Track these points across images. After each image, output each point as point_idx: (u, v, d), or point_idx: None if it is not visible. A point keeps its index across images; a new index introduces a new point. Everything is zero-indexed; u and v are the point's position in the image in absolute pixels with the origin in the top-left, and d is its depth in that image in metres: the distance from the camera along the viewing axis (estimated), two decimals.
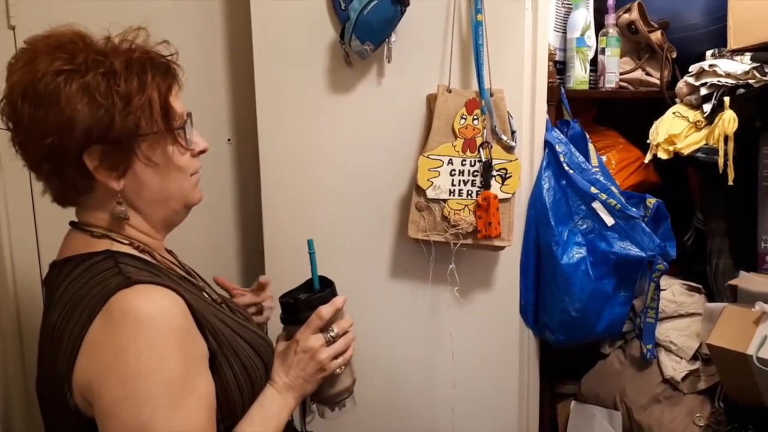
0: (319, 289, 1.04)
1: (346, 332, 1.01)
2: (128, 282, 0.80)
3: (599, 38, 1.68)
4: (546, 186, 1.52)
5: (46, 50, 0.84)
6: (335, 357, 0.99)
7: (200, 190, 0.98)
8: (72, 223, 0.93)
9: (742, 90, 1.45)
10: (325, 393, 1.02)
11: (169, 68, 0.91)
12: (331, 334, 0.98)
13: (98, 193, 0.89)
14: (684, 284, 1.65)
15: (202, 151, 0.96)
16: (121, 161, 0.86)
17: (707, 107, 1.50)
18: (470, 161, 1.39)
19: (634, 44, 1.73)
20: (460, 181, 1.40)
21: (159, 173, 0.90)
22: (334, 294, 1.02)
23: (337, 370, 1.00)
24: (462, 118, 1.38)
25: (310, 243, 1.04)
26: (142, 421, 0.75)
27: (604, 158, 1.67)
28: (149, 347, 0.76)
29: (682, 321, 1.60)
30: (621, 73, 1.70)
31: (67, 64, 0.82)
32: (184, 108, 0.93)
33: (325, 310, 0.98)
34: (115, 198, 0.88)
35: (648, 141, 1.60)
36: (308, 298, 1.01)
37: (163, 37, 0.93)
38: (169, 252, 1.06)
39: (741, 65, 1.46)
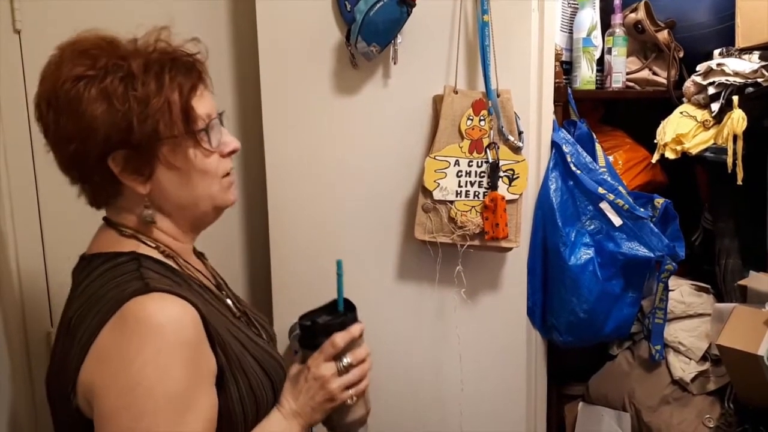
0: (341, 313, 0.99)
1: (362, 361, 0.96)
2: (145, 288, 0.79)
3: (606, 38, 1.67)
4: (553, 187, 1.51)
5: (71, 56, 0.84)
6: (348, 387, 0.94)
7: (234, 192, 0.96)
8: (105, 219, 0.93)
9: (750, 89, 1.44)
10: (335, 422, 0.99)
11: (193, 67, 0.89)
12: (344, 363, 0.94)
13: (126, 196, 0.89)
14: (693, 285, 1.65)
15: (233, 151, 0.94)
16: (145, 165, 0.85)
17: (715, 106, 1.49)
18: (477, 162, 1.39)
19: (641, 44, 1.73)
20: (467, 182, 1.39)
21: (183, 177, 0.88)
22: (354, 320, 0.97)
23: (349, 401, 0.95)
24: (469, 119, 1.37)
25: (339, 264, 0.98)
26: (140, 431, 0.75)
27: (611, 158, 1.67)
28: (155, 358, 0.76)
29: (691, 322, 1.60)
30: (628, 73, 1.70)
31: (89, 70, 0.82)
32: (212, 108, 0.91)
33: (339, 338, 0.93)
34: (142, 202, 0.88)
35: (655, 141, 1.59)
36: (326, 323, 0.96)
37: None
38: (200, 255, 1.05)
39: (749, 64, 1.45)
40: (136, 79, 0.83)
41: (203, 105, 0.89)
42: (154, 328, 0.76)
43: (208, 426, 0.81)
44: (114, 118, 0.81)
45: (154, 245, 0.90)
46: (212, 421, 0.82)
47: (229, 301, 1.01)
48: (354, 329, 0.96)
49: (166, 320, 0.77)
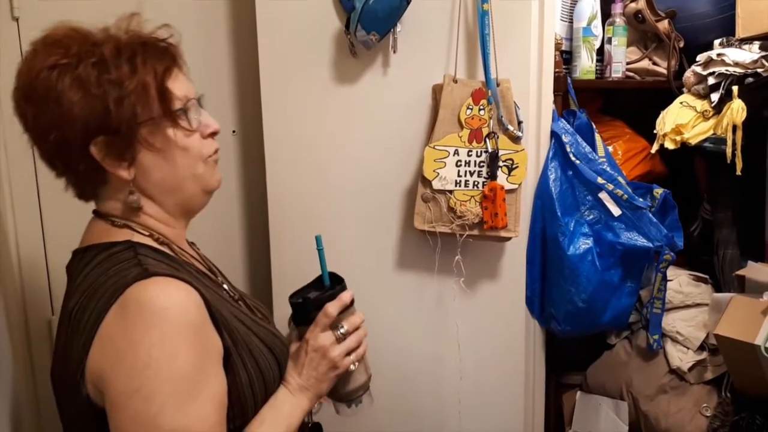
0: (329, 287, 1.02)
1: (357, 328, 0.99)
2: (146, 273, 0.79)
3: (606, 27, 1.67)
4: (552, 176, 1.51)
5: (43, 48, 0.85)
6: (347, 354, 0.97)
7: (218, 172, 0.96)
8: (95, 212, 0.93)
9: (750, 79, 1.44)
10: (340, 391, 1.01)
11: (166, 51, 0.89)
12: (341, 331, 0.96)
13: (112, 183, 0.89)
14: (691, 275, 1.65)
15: (214, 133, 0.94)
16: (126, 150, 0.85)
17: (715, 97, 1.49)
18: (476, 152, 1.39)
19: (641, 33, 1.72)
20: (466, 171, 1.39)
21: (165, 158, 0.88)
22: (343, 290, 1.00)
23: (351, 367, 0.98)
24: (468, 108, 1.37)
25: (318, 239, 1.01)
26: (150, 414, 0.75)
27: (610, 148, 1.67)
28: (161, 340, 0.76)
29: (689, 311, 1.60)
30: (627, 63, 1.69)
31: (62, 58, 0.83)
32: (188, 90, 0.91)
33: (332, 307, 0.96)
34: (127, 188, 0.88)
35: (655, 131, 1.59)
36: (317, 297, 0.98)
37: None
38: (191, 244, 1.06)
39: (749, 54, 1.45)
40: (108, 64, 0.83)
41: (179, 87, 0.89)
42: (158, 311, 0.77)
43: (219, 408, 0.81)
44: (90, 104, 0.82)
45: (147, 233, 0.90)
46: (222, 403, 0.82)
47: (225, 286, 1.01)
48: (344, 296, 0.98)
49: (169, 303, 0.78)
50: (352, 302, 1.00)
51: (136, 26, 0.89)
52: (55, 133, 0.83)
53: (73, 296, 0.85)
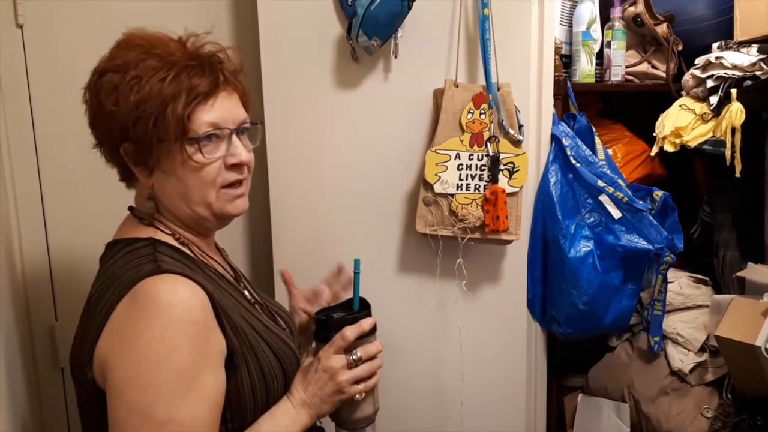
0: (356, 311, 1.02)
1: (372, 358, 0.98)
2: (158, 270, 0.83)
3: (605, 31, 1.68)
4: (553, 180, 1.52)
5: (115, 49, 0.90)
6: (357, 382, 0.96)
7: (238, 204, 0.96)
8: (130, 208, 0.98)
9: (748, 82, 1.45)
10: (343, 416, 1.00)
11: (215, 75, 0.90)
12: (354, 357, 0.95)
13: (141, 182, 0.93)
14: (691, 276, 1.66)
15: (237, 164, 0.93)
16: (147, 160, 0.89)
17: (714, 99, 1.50)
18: (478, 155, 1.39)
19: (640, 37, 1.73)
20: (467, 175, 1.40)
21: (175, 181, 0.90)
22: (367, 317, 1.00)
23: (357, 396, 0.96)
24: (469, 112, 1.38)
25: (356, 263, 1.02)
26: (145, 404, 0.78)
27: (610, 151, 1.68)
28: (162, 335, 0.79)
29: (690, 313, 1.61)
30: (627, 66, 1.70)
31: (114, 65, 0.87)
32: (230, 117, 0.91)
33: (350, 332, 0.95)
34: (148, 191, 0.93)
35: (654, 134, 1.60)
36: (339, 318, 0.98)
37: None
38: (221, 250, 1.08)
39: (748, 57, 1.46)
40: (141, 80, 0.85)
41: (212, 114, 0.89)
42: (163, 306, 0.80)
43: (213, 408, 0.83)
44: (116, 115, 0.86)
45: (170, 232, 0.93)
46: (217, 403, 0.84)
47: (246, 292, 1.02)
48: (365, 323, 0.98)
49: (175, 300, 0.80)
50: (373, 330, 1.00)
51: (194, 43, 0.91)
52: (94, 132, 0.91)
53: (95, 285, 0.89)
